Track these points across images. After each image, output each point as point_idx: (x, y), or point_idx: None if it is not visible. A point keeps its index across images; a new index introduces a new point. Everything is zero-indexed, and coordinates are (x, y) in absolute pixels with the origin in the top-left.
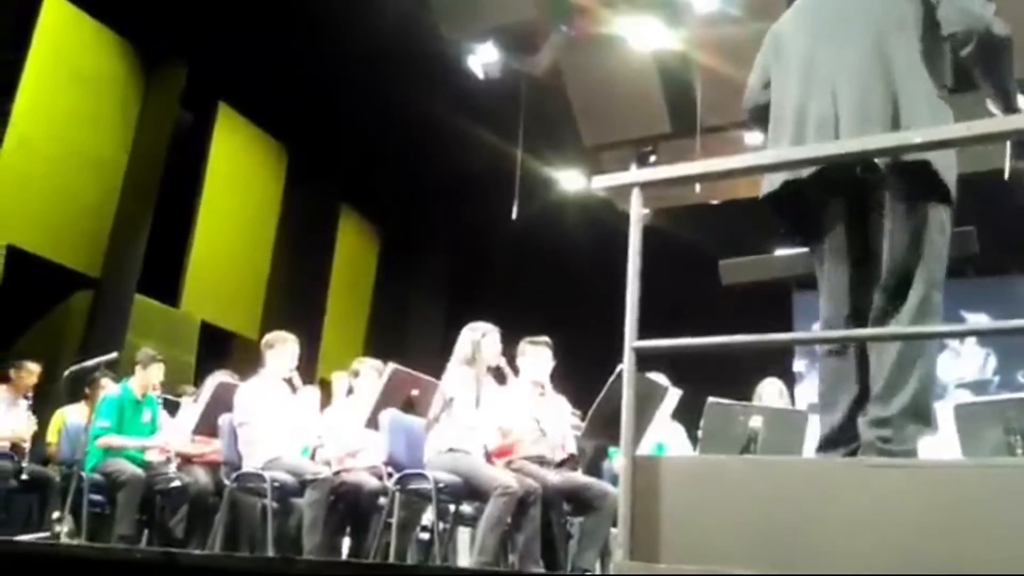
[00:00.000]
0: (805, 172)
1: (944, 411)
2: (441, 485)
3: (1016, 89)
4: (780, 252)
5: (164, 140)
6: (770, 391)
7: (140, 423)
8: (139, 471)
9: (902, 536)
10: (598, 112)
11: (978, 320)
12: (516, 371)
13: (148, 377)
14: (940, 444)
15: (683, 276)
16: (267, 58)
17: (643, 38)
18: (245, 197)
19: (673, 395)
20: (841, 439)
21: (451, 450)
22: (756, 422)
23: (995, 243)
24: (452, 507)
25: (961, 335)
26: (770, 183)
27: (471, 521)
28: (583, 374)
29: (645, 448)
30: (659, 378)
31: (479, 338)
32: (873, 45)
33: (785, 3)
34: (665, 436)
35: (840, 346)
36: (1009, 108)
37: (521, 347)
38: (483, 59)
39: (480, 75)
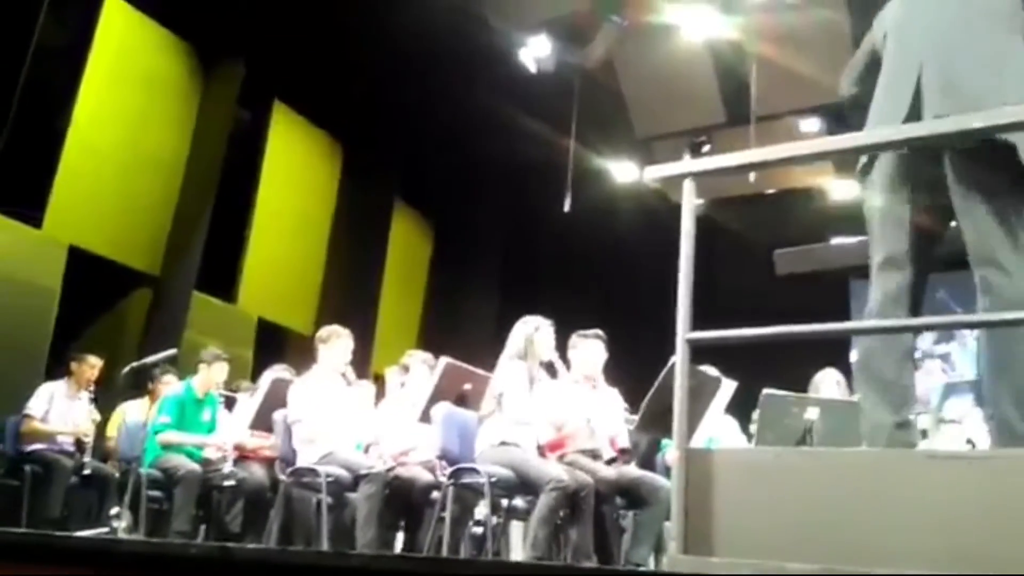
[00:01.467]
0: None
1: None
2: (493, 479)
3: None
4: (835, 241)
5: (222, 139)
6: (827, 382)
7: (200, 421)
8: (196, 467)
9: (964, 530)
10: (651, 103)
11: None
12: (568, 364)
13: (212, 375)
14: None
15: (738, 266)
16: (321, 56)
17: (696, 27)
18: (300, 194)
19: (727, 387)
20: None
21: (503, 443)
22: (812, 413)
23: None
24: (505, 501)
25: None
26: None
27: (524, 515)
28: (637, 366)
29: (697, 442)
30: (712, 371)
31: (532, 332)
32: (969, 22)
33: None
34: (717, 429)
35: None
36: None
37: (573, 340)
38: (535, 51)
39: (532, 67)
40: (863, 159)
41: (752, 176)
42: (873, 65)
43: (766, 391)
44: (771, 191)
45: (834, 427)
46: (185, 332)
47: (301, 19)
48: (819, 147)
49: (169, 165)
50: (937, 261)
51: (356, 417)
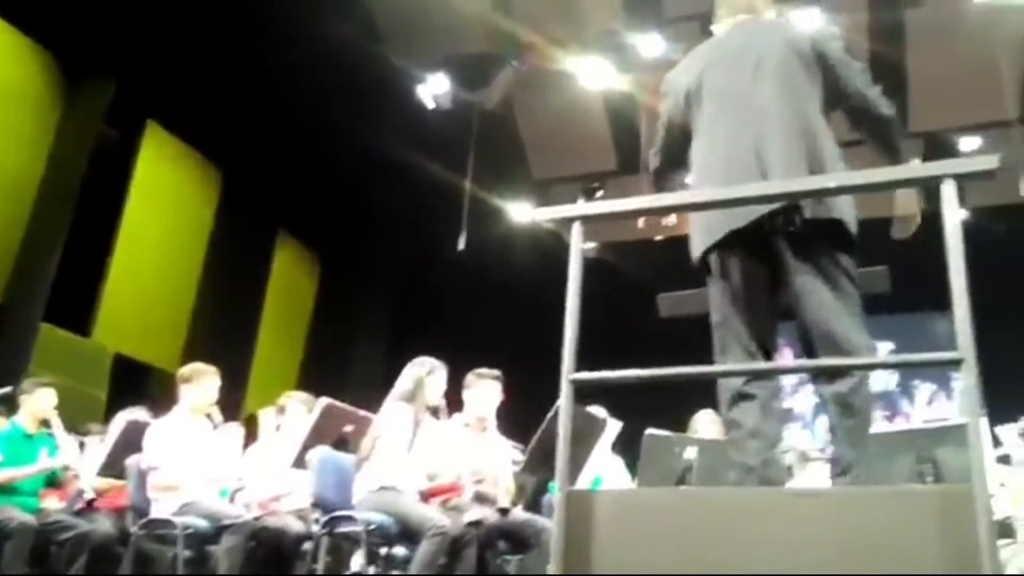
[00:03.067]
0: (734, 226)
1: None
2: (371, 527)
3: (901, 147)
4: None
5: (83, 157)
6: (703, 421)
7: (34, 461)
8: (30, 519)
9: (825, 562)
10: (548, 146)
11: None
12: (461, 404)
13: (35, 404)
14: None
15: (628, 309)
16: (204, 77)
17: (592, 77)
18: (172, 220)
19: (612, 427)
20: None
21: (382, 489)
22: (691, 453)
23: (909, 281)
24: (383, 550)
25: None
26: (710, 235)
27: (403, 564)
28: (530, 407)
29: (584, 482)
30: (599, 411)
31: (424, 375)
32: (787, 94)
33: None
34: (604, 469)
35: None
36: (896, 163)
37: (468, 379)
38: (433, 88)
39: (430, 104)
40: (699, 253)
41: (641, 222)
42: (683, 136)
43: (648, 431)
44: (659, 237)
45: (711, 466)
46: (29, 367)
47: (185, 38)
48: (696, 198)
49: (20, 182)
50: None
51: (221, 462)
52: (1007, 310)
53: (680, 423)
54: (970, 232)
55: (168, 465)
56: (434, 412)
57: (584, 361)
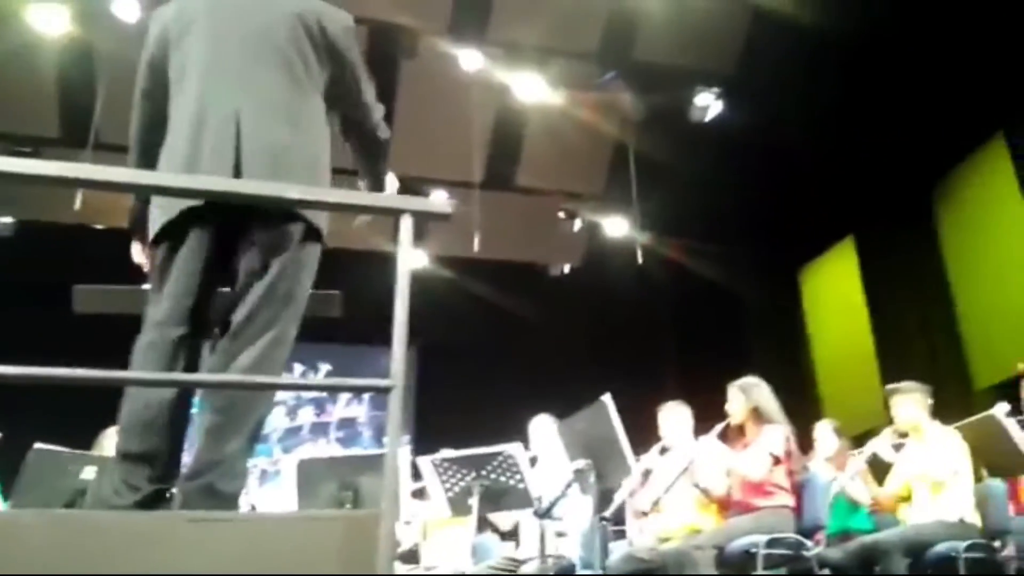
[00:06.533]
0: (190, 204)
1: (288, 466)
2: None
3: (385, 176)
4: (143, 286)
5: None
6: (113, 438)
7: None
8: None
9: None
10: None
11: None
12: None
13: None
14: (281, 496)
15: (49, 302)
16: None
17: (46, 23)
18: None
19: None
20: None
21: None
22: (89, 473)
23: (366, 316)
24: None
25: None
26: (165, 214)
27: None
28: None
29: None
30: None
31: None
32: (282, 77)
33: None
34: None
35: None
36: (377, 190)
37: None
38: None
39: None
40: (161, 227)
41: (78, 203)
42: (158, 86)
43: (37, 445)
44: (100, 227)
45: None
46: None
47: None
48: (118, 177)
49: None
50: (211, 325)
51: None
52: (456, 349)
53: (87, 441)
54: (427, 278)
55: None
56: None
57: None
